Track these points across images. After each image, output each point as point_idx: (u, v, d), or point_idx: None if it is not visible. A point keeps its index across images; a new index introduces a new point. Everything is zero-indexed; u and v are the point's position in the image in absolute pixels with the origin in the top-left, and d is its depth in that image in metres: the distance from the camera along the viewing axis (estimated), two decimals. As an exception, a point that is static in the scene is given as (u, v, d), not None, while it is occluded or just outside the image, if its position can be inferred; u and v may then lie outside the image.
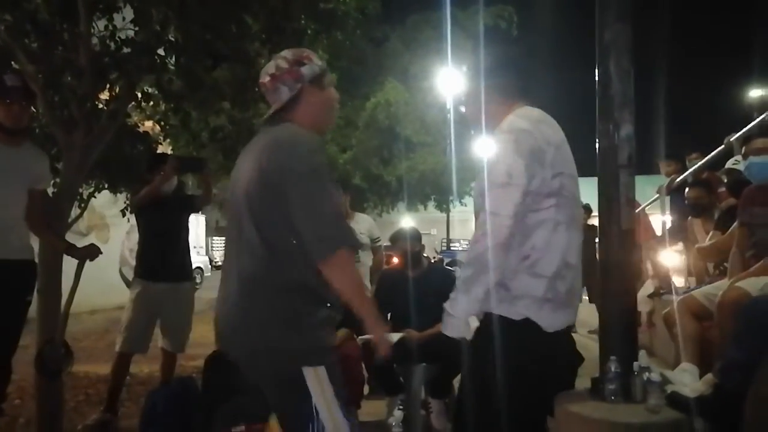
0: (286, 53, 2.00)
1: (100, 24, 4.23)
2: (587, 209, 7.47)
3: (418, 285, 3.99)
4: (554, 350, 2.05)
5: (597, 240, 2.57)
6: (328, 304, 1.87)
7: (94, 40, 4.13)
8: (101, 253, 3.29)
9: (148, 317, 4.10)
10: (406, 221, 12.89)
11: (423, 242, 4.33)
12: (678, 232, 6.00)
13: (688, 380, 2.71)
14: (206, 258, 18.60)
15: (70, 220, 4.32)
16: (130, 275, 4.65)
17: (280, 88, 1.95)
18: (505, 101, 2.14)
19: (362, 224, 5.29)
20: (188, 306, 4.32)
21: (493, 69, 2.17)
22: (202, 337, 7.07)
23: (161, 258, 4.13)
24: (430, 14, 12.33)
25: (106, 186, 5.27)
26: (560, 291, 1.99)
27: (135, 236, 4.49)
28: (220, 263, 29.52)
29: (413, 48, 11.98)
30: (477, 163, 14.42)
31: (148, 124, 5.70)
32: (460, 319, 1.99)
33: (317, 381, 1.80)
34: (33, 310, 3.34)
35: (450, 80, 12.76)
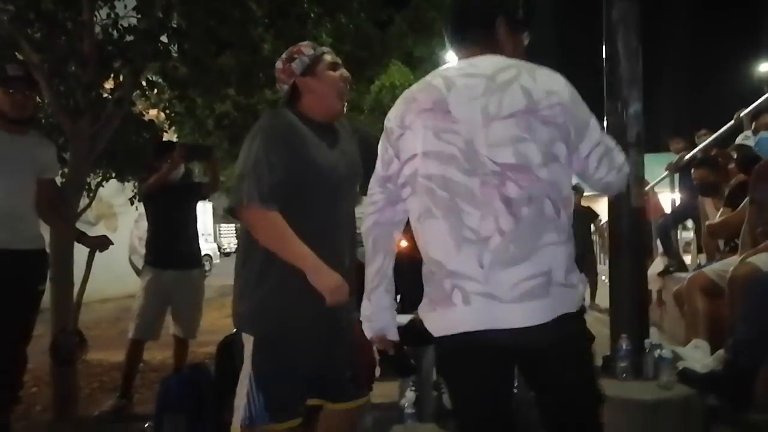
0: (284, 53, 2.14)
1: (103, 12, 4.21)
2: (577, 190, 7.18)
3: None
4: (459, 361, 1.58)
5: (593, 223, 2.53)
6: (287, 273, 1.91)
7: (97, 29, 4.12)
8: (112, 243, 3.31)
9: (159, 304, 4.13)
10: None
11: None
12: (688, 210, 5.96)
13: (699, 357, 2.71)
14: (215, 245, 18.69)
15: (78, 210, 4.34)
16: (139, 264, 4.67)
17: (282, 87, 2.12)
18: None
19: None
20: (199, 293, 4.34)
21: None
22: (213, 323, 7.14)
23: (170, 245, 4.15)
24: (433, -5, 12.19)
25: (114, 175, 5.28)
26: (431, 289, 1.56)
27: (144, 224, 4.50)
28: (228, 250, 29.77)
29: (417, 30, 11.88)
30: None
31: (153, 112, 5.70)
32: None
33: (246, 349, 1.97)
34: (46, 299, 3.37)
35: (455, 62, 12.65)
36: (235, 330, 2.09)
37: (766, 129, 3.22)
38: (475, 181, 1.45)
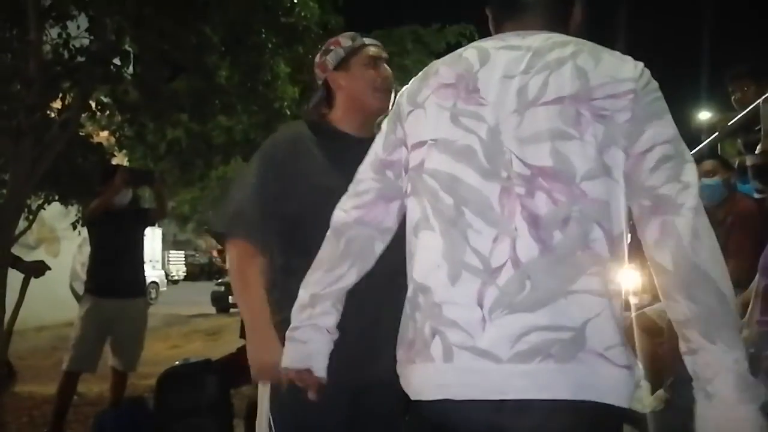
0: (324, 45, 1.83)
1: (54, 32, 4.12)
2: None
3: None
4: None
5: None
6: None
7: (47, 48, 4.02)
8: (49, 269, 3.18)
9: (97, 334, 3.96)
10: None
11: None
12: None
13: (640, 395, 2.75)
14: (162, 272, 18.18)
15: (17, 232, 4.17)
16: (81, 290, 4.50)
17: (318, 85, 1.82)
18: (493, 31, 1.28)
19: None
20: (140, 323, 4.19)
21: None
22: (156, 354, 6.90)
23: (113, 273, 4.01)
24: (392, 30, 12.44)
25: (56, 198, 5.10)
26: (409, 330, 1.13)
27: (87, 250, 4.36)
28: (176, 277, 29.01)
29: (375, 64, 12.07)
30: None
31: (104, 134, 5.57)
32: None
33: (260, 393, 1.65)
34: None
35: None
36: (177, 362, 1.93)
37: (705, 176, 3.35)
38: (494, 187, 1.05)
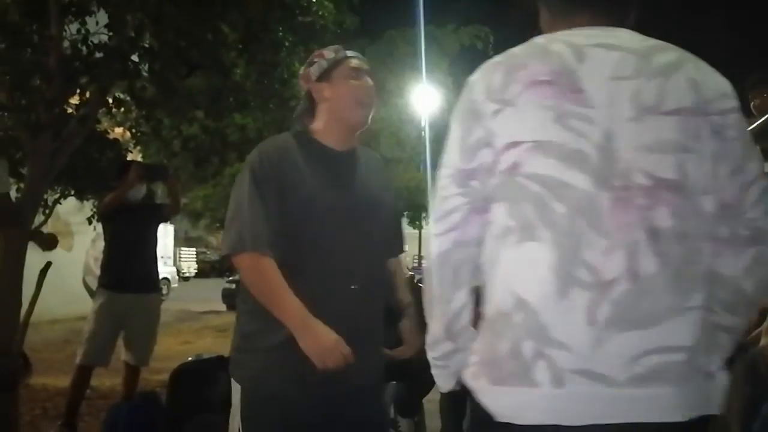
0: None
1: (73, 27, 4.15)
2: None
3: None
4: None
5: None
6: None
7: (66, 44, 4.05)
8: (56, 242, 3.20)
9: (111, 329, 3.99)
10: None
11: None
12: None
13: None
14: (174, 269, 18.32)
15: (33, 226, 4.20)
16: (94, 285, 4.54)
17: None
18: (548, 20, 1.20)
19: None
20: (153, 318, 4.22)
21: None
22: (168, 350, 6.94)
23: (127, 268, 4.03)
24: (406, 30, 12.42)
25: (73, 193, 5.14)
26: (500, 349, 1.05)
27: (100, 244, 4.39)
28: (188, 274, 29.14)
29: (389, 63, 12.05)
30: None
31: (119, 130, 5.61)
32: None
33: (234, 397, 1.73)
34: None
35: (425, 96, 12.85)
36: (190, 358, 1.98)
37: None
38: (607, 196, 0.99)
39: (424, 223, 15.42)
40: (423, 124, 13.11)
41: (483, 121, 1.08)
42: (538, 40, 1.12)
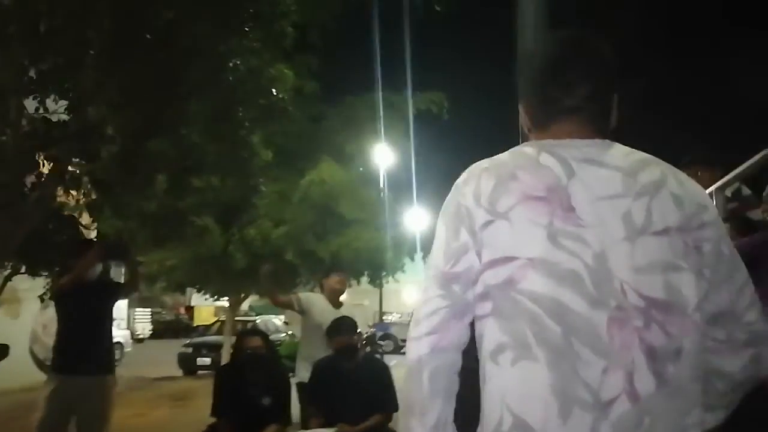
0: None
1: (30, 105, 4.14)
2: None
3: (352, 377, 3.97)
4: None
5: None
6: None
7: (23, 121, 4.04)
8: (7, 355, 3.13)
9: (62, 416, 3.86)
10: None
11: (355, 315, 4.38)
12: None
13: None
14: (127, 332, 17.69)
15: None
16: (41, 354, 4.39)
17: None
18: (528, 127, 1.26)
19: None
20: (107, 402, 4.09)
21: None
22: (120, 424, 6.62)
23: (82, 349, 3.94)
24: (365, 95, 12.78)
25: (24, 270, 5.02)
26: None
27: (50, 312, 4.27)
28: (142, 336, 28.04)
29: (349, 127, 12.32)
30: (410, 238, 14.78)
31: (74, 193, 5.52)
32: None
33: None
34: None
35: (383, 159, 13.17)
36: None
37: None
38: (602, 316, 1.01)
39: (384, 281, 15.46)
40: (382, 185, 13.34)
41: (472, 228, 1.09)
42: (527, 149, 1.14)
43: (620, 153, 1.12)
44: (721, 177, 3.24)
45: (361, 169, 12.67)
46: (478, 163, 1.17)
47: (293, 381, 4.44)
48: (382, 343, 20.13)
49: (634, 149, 1.14)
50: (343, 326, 4.15)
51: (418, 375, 1.12)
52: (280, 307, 5.79)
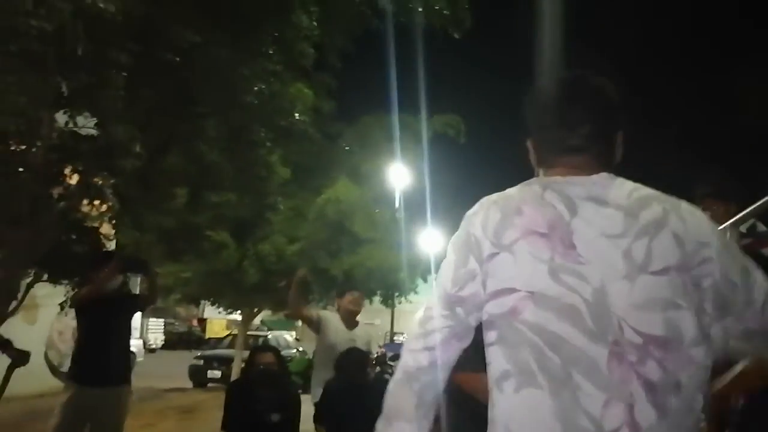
0: None
1: (61, 118, 4.28)
2: None
3: (362, 398, 3.99)
4: None
5: None
6: None
7: (54, 134, 4.19)
8: (27, 362, 3.22)
9: (76, 425, 3.93)
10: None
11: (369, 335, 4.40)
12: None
13: None
14: (140, 341, 17.82)
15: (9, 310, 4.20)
16: (56, 360, 4.47)
17: None
18: (535, 163, 1.31)
19: (362, 337, 4.59)
20: (122, 412, 4.16)
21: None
22: (132, 438, 6.68)
23: (98, 360, 4.01)
24: (382, 116, 12.90)
25: (46, 278, 5.15)
26: None
27: (66, 319, 4.35)
28: (154, 346, 28.12)
29: (365, 146, 12.44)
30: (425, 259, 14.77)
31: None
32: None
33: None
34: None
35: (399, 179, 13.27)
36: None
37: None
38: (601, 351, 1.05)
39: (396, 302, 15.48)
40: (397, 205, 13.42)
41: (480, 257, 1.15)
42: (533, 186, 1.19)
43: (623, 190, 1.16)
44: (737, 212, 3.23)
45: (376, 189, 12.76)
46: (488, 196, 1.22)
47: (312, 402, 4.39)
48: (392, 363, 20.03)
49: (638, 184, 1.18)
50: (351, 361, 4.09)
51: (409, 384, 1.18)
52: (299, 319, 5.62)
